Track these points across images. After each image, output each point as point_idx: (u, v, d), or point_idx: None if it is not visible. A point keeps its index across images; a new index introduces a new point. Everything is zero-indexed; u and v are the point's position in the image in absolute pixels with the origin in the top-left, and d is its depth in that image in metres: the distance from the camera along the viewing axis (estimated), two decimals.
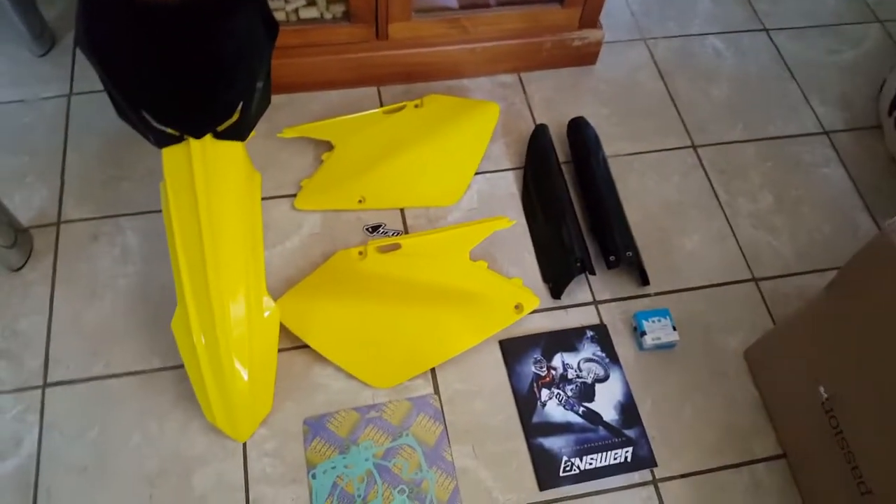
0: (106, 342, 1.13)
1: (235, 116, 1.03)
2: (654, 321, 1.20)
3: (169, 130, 1.00)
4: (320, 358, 1.12)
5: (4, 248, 1.14)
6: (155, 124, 0.99)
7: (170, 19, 0.96)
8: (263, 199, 1.28)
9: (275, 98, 1.39)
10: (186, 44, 0.98)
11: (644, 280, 1.26)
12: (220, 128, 1.02)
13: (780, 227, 1.36)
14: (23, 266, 1.18)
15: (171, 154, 1.02)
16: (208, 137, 1.01)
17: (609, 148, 1.40)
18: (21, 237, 1.17)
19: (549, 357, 1.17)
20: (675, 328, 1.20)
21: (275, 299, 1.14)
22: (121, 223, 1.23)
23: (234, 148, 1.04)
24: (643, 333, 1.19)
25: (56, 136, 1.33)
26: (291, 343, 1.13)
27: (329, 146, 1.33)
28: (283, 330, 1.12)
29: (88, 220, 1.23)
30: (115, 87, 0.95)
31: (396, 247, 1.22)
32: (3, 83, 1.40)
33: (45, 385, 1.09)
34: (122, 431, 1.06)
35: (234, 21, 0.97)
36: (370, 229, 1.27)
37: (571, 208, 1.30)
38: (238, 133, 1.03)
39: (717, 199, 1.38)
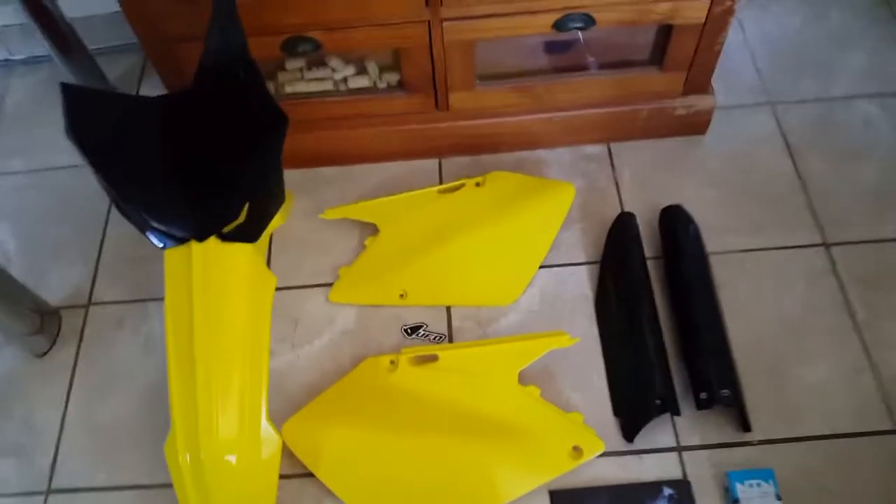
0: (114, 446, 1.02)
1: (242, 217, 0.87)
2: (751, 486, 0.91)
3: (170, 232, 0.87)
4: (331, 492, 0.94)
5: (28, 335, 1.06)
6: (154, 224, 0.86)
7: (167, 113, 0.83)
8: (298, 287, 1.12)
9: (324, 171, 1.25)
10: (185, 138, 0.85)
11: (745, 426, 0.96)
12: (226, 229, 0.87)
13: None
14: (48, 351, 1.10)
15: (172, 256, 0.88)
16: (212, 239, 0.87)
17: (714, 242, 1.11)
18: (48, 320, 1.09)
19: None
20: (779, 497, 0.90)
21: (289, 414, 0.99)
22: (149, 309, 1.13)
23: (240, 251, 0.88)
24: (736, 501, 0.90)
25: (101, 209, 1.25)
26: (299, 470, 0.96)
27: (375, 229, 1.15)
28: (292, 455, 0.96)
29: (117, 304, 1.14)
30: (110, 184, 0.83)
31: (433, 358, 1.01)
32: (67, 147, 1.33)
33: (49, 491, 0.99)
34: None
35: (236, 117, 0.82)
36: (409, 331, 1.07)
37: (656, 325, 1.02)
38: (246, 235, 0.88)
39: (853, 318, 1.05)
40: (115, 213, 1.23)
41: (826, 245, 1.12)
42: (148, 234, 0.87)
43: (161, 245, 0.87)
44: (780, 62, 1.34)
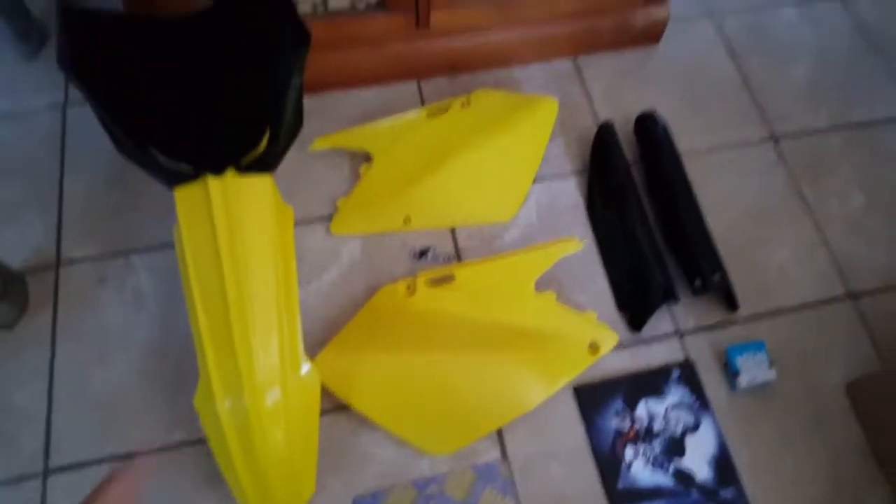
0: (119, 412, 0.91)
1: (262, 145, 0.78)
2: (748, 357, 0.98)
3: (182, 167, 0.76)
4: (367, 421, 0.91)
5: None
6: (164, 161, 0.75)
7: (180, 35, 0.72)
8: (296, 224, 1.04)
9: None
10: (201, 63, 0.74)
11: (732, 305, 1.03)
12: (245, 160, 0.78)
13: (874, 230, 1.12)
14: (17, 322, 0.95)
15: (185, 194, 0.77)
16: (230, 172, 0.77)
17: (679, 143, 1.14)
18: (13, 288, 0.94)
19: (632, 405, 0.96)
20: (771, 364, 0.98)
21: (314, 352, 0.93)
22: (132, 261, 1.00)
23: (261, 182, 0.79)
24: (736, 374, 0.97)
25: (53, 157, 1.07)
26: (333, 404, 0.92)
27: (367, 157, 1.08)
28: (324, 390, 0.90)
29: (93, 260, 1.00)
30: (114, 119, 0.71)
31: (449, 278, 0.99)
32: None
33: (47, 471, 0.87)
34: None
35: (258, 34, 0.72)
36: (418, 254, 1.04)
37: (646, 223, 1.05)
38: (266, 164, 0.79)
39: (804, 201, 1.14)
40: (70, 164, 1.07)
41: (774, 138, 1.19)
42: (153, 171, 0.76)
43: (169, 184, 0.76)
44: None
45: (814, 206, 1.13)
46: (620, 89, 1.21)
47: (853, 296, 1.06)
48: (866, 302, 1.06)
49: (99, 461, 0.88)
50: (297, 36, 0.74)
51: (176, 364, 0.93)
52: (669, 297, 1.00)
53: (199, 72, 0.75)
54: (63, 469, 0.88)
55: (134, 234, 1.01)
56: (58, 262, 1.00)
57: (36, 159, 1.07)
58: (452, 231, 1.06)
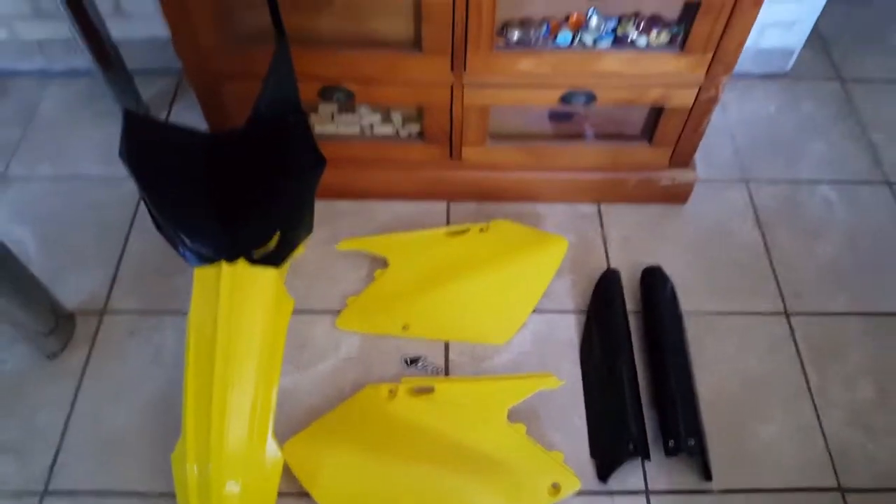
0: (117, 453, 1.02)
1: (272, 244, 0.91)
2: None
3: (203, 252, 0.90)
4: None
5: (42, 335, 1.06)
6: (189, 243, 0.89)
7: (216, 146, 0.88)
8: (307, 312, 1.15)
9: (341, 205, 1.29)
10: (229, 172, 0.89)
11: (707, 475, 1.02)
12: (256, 254, 0.91)
13: (880, 427, 1.07)
14: (59, 353, 1.10)
15: (202, 273, 0.90)
16: (241, 262, 0.90)
17: (687, 302, 1.17)
18: (63, 323, 1.10)
19: None
20: None
21: (291, 434, 1.01)
22: (163, 321, 1.14)
23: (266, 275, 0.91)
24: None
25: (126, 219, 1.26)
26: (298, 489, 0.98)
27: (385, 263, 1.19)
28: (291, 474, 0.97)
29: (132, 314, 1.15)
30: (153, 203, 0.86)
31: (430, 390, 1.05)
32: (96, 158, 1.36)
33: (45, 493, 0.98)
34: None
35: (279, 155, 0.86)
36: (409, 361, 1.11)
37: (634, 376, 1.07)
38: (273, 260, 0.91)
39: (807, 382, 1.11)
40: (137, 226, 1.25)
41: (786, 313, 1.19)
42: (181, 251, 0.89)
43: (193, 263, 0.90)
44: (756, 143, 1.43)
45: (817, 388, 1.11)
46: (638, 239, 1.27)
47: (842, 490, 1.02)
48: (856, 500, 1.01)
49: (89, 493, 0.98)
50: (314, 159, 0.88)
51: (174, 420, 1.02)
52: (639, 452, 1.00)
53: (227, 179, 0.90)
54: (59, 493, 0.98)
55: (171, 298, 1.16)
56: (103, 311, 1.15)
57: (112, 217, 1.26)
58: (446, 345, 1.13)
